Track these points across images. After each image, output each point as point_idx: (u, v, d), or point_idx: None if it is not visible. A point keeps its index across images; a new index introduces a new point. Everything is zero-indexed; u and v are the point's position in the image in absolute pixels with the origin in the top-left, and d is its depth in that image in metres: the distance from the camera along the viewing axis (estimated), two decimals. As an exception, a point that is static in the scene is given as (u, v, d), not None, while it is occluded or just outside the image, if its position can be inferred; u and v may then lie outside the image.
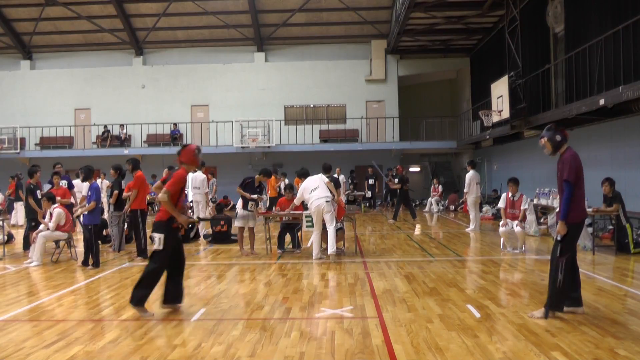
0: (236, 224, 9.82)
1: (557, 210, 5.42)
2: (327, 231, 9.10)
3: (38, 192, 10.34)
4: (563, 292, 5.21)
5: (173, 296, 5.78)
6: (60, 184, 10.42)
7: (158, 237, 5.52)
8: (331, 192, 9.12)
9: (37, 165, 11.24)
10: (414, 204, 23.13)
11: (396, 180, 17.02)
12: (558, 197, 5.42)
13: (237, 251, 10.09)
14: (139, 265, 8.89)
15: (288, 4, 22.91)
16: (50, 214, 9.35)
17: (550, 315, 5.22)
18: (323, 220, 9.08)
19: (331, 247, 8.89)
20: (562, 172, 5.28)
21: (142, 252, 9.50)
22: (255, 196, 9.55)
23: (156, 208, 11.41)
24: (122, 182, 10.21)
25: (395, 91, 24.49)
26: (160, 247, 5.51)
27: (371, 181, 21.04)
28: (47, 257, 9.41)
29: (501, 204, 10.34)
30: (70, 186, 11.35)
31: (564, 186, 5.21)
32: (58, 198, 9.73)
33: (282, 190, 14.10)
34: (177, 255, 5.79)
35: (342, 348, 4.49)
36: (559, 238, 5.20)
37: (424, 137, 24.55)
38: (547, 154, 5.49)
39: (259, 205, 10.17)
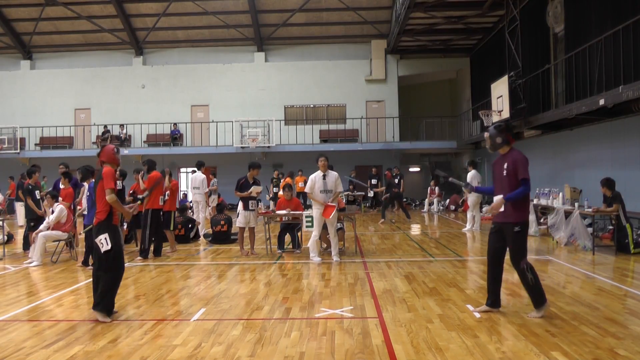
0: (237, 224, 9.81)
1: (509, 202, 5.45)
2: (327, 232, 9.11)
3: (37, 192, 10.34)
4: (539, 288, 5.30)
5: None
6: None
7: (103, 237, 5.47)
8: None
9: (36, 166, 11.25)
10: (414, 204, 23.25)
11: (373, 181, 17.51)
12: (500, 195, 5.39)
13: (237, 251, 10.09)
14: (139, 265, 8.89)
15: (288, 4, 22.91)
16: (53, 211, 9.36)
17: (543, 311, 5.28)
18: (324, 223, 9.04)
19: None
20: (512, 171, 5.30)
21: (142, 252, 9.52)
22: (252, 189, 9.50)
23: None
24: (119, 182, 10.22)
25: (395, 91, 24.49)
26: (109, 247, 5.47)
27: (374, 181, 21.00)
28: (47, 257, 9.42)
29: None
30: (78, 185, 11.27)
31: (522, 184, 5.25)
32: (60, 199, 9.73)
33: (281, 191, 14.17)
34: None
35: (342, 348, 4.49)
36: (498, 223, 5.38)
37: (424, 137, 24.56)
38: (486, 147, 5.63)
39: (260, 205, 10.17)
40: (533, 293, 5.31)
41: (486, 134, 5.54)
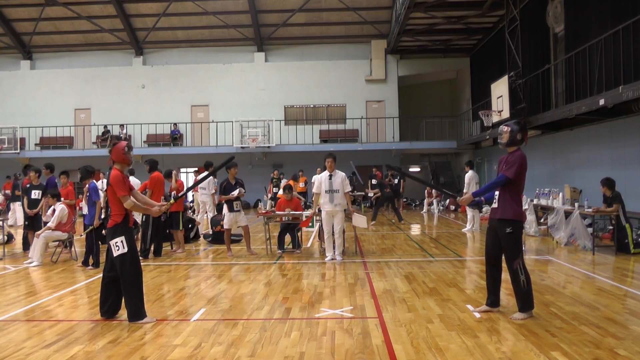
0: (225, 226, 9.79)
1: (496, 204, 5.45)
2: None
3: (34, 191, 10.31)
4: (530, 292, 5.27)
5: (112, 307, 5.55)
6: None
7: (119, 240, 5.35)
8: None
9: (29, 165, 11.40)
10: (414, 204, 23.26)
11: (373, 181, 17.35)
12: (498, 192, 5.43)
13: (237, 251, 10.09)
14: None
15: (288, 4, 22.91)
16: (54, 210, 9.36)
17: (528, 314, 5.25)
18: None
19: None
20: (506, 168, 5.32)
21: (143, 252, 9.51)
22: (235, 192, 9.48)
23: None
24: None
25: (395, 91, 24.50)
26: (125, 250, 5.35)
27: (374, 181, 20.99)
28: (47, 257, 9.42)
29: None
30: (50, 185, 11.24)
31: (501, 177, 5.28)
32: (62, 199, 9.74)
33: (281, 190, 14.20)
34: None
35: (342, 348, 4.49)
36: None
37: (424, 137, 24.56)
38: (500, 143, 5.51)
39: (260, 206, 10.17)
40: (522, 296, 5.25)
41: (506, 128, 5.40)
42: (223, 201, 9.69)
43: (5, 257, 10.09)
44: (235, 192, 9.44)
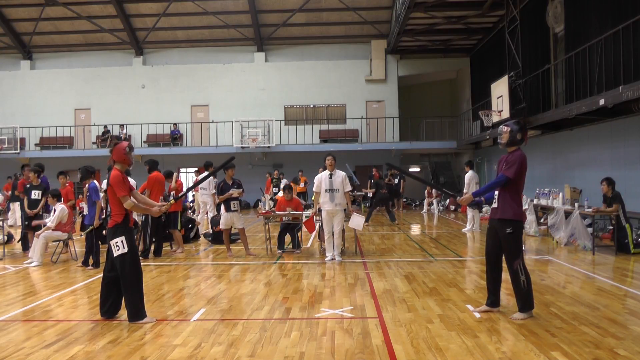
0: (221, 226, 9.78)
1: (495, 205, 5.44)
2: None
3: (34, 191, 10.31)
4: (530, 292, 5.27)
5: (112, 308, 5.55)
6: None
7: (120, 240, 5.35)
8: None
9: (25, 165, 11.46)
10: (414, 204, 23.26)
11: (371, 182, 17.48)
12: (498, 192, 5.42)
13: (237, 251, 10.09)
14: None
15: (288, 4, 22.91)
16: (54, 210, 9.36)
17: (528, 314, 5.25)
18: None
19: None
20: (506, 168, 5.32)
21: (143, 252, 9.51)
22: (232, 191, 9.48)
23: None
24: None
25: (395, 91, 24.50)
26: (126, 250, 5.34)
27: (372, 181, 20.97)
28: (47, 257, 9.42)
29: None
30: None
31: (501, 177, 5.28)
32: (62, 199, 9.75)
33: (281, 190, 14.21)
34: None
35: (342, 348, 4.48)
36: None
37: (424, 137, 24.56)
38: (500, 143, 5.50)
39: (260, 206, 10.19)
40: (522, 296, 5.25)
41: (505, 128, 5.40)
42: (222, 202, 9.69)
43: (5, 257, 10.09)
44: (231, 191, 9.44)
